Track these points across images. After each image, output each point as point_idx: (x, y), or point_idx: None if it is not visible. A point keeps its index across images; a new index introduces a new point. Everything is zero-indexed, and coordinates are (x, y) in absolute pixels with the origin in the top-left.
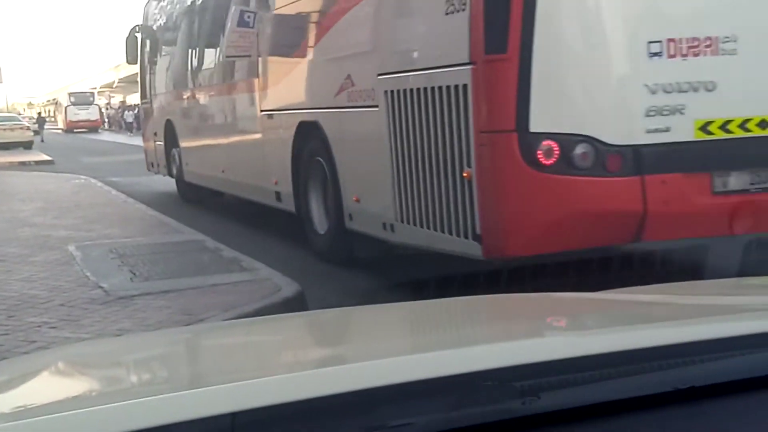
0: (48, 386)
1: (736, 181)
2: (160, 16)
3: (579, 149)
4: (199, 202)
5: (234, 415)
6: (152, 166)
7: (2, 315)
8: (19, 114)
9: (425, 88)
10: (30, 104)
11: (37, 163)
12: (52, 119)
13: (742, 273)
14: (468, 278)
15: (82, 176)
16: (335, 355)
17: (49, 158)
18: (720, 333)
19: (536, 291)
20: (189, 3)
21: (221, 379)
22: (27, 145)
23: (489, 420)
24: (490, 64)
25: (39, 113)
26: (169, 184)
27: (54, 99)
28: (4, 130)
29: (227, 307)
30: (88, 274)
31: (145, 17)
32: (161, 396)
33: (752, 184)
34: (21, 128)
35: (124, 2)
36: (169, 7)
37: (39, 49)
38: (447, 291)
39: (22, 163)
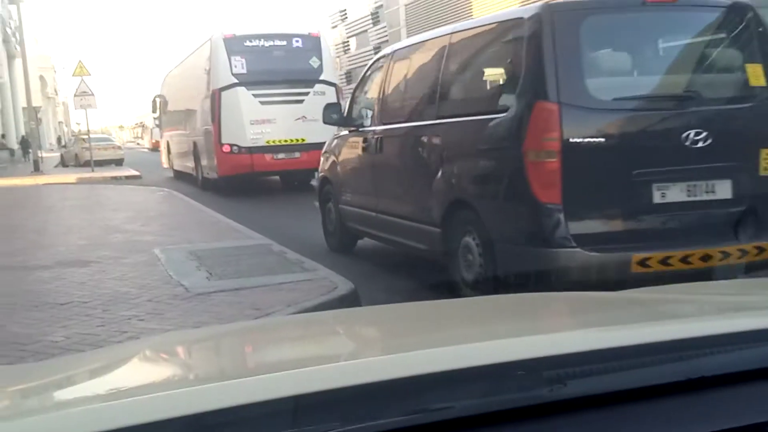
0: (137, 371)
1: (283, 156)
2: (166, 89)
3: (234, 147)
4: (181, 179)
5: (296, 398)
6: (163, 163)
7: (98, 309)
8: (111, 135)
9: (207, 130)
10: (120, 127)
11: (127, 177)
12: (140, 139)
13: (747, 275)
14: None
15: (165, 189)
16: (385, 345)
17: (137, 173)
18: (728, 328)
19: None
20: (173, 85)
21: (286, 365)
22: (118, 162)
23: (519, 405)
24: (214, 123)
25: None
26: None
27: (141, 122)
28: (99, 149)
29: (290, 302)
30: (171, 273)
31: (161, 87)
32: (233, 380)
33: (286, 156)
34: (113, 147)
35: (209, 33)
36: (168, 86)
37: (129, 77)
38: (483, 290)
39: (114, 178)
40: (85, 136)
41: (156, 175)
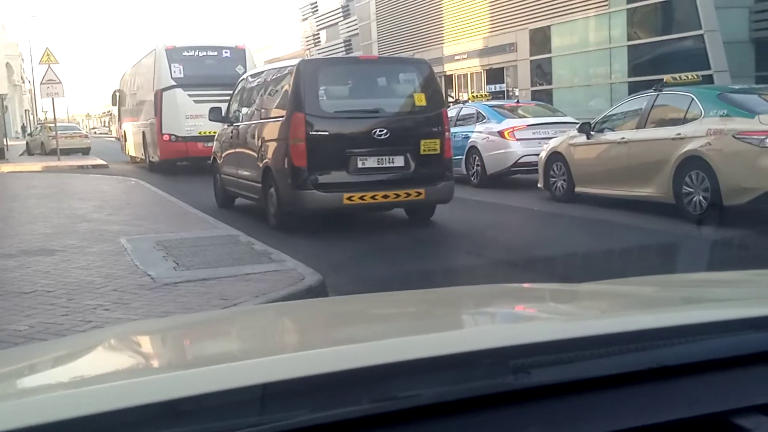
0: (101, 360)
1: (212, 144)
2: (123, 86)
3: (172, 136)
4: (134, 162)
5: (264, 386)
6: (122, 149)
7: (63, 298)
8: (78, 124)
9: (152, 122)
10: (88, 115)
11: (94, 167)
12: (106, 127)
13: (708, 269)
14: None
15: (132, 178)
16: (353, 335)
17: (104, 163)
18: (689, 320)
19: (528, 282)
20: (128, 83)
21: (253, 354)
22: (85, 151)
23: (485, 393)
24: (156, 117)
25: None
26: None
27: (109, 111)
28: (66, 137)
29: (258, 293)
30: (138, 263)
31: (119, 83)
32: (200, 368)
33: (206, 146)
34: (80, 136)
35: (179, 25)
36: (124, 83)
37: (97, 65)
38: (453, 281)
39: (81, 167)
40: (52, 125)
41: (122, 164)
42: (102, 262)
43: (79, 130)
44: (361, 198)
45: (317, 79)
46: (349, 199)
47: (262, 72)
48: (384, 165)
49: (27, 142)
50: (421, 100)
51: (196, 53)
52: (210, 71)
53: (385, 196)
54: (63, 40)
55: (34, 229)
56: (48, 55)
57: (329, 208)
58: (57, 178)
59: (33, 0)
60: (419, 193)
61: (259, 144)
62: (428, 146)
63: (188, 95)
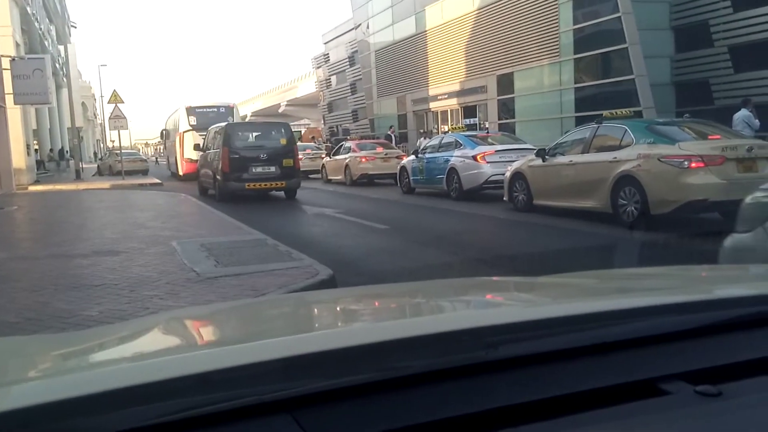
0: (156, 339)
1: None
2: (167, 125)
3: (189, 159)
4: (175, 177)
5: (286, 360)
6: (167, 167)
7: (126, 290)
8: (138, 150)
9: (179, 151)
10: (146, 144)
11: (151, 184)
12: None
13: (638, 264)
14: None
15: (182, 194)
16: (357, 318)
17: (159, 181)
18: (620, 306)
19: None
20: (168, 124)
21: (277, 333)
22: (144, 172)
23: (463, 364)
24: (180, 147)
25: None
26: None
27: (160, 141)
28: (129, 161)
29: (282, 285)
30: (186, 261)
31: (165, 123)
32: (234, 345)
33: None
34: (140, 160)
35: (219, 68)
36: (167, 124)
37: (154, 103)
38: (441, 275)
39: (141, 185)
40: (118, 151)
41: (173, 182)
42: (157, 261)
43: (140, 155)
44: (254, 185)
45: (235, 132)
46: (248, 186)
47: (216, 127)
48: (265, 171)
49: (98, 165)
50: (284, 141)
51: (203, 110)
52: (211, 121)
53: (266, 185)
54: (127, 83)
55: (103, 235)
56: (115, 96)
57: (239, 190)
58: (122, 194)
59: (103, 51)
60: (283, 184)
61: (212, 162)
62: (287, 162)
63: (199, 135)
